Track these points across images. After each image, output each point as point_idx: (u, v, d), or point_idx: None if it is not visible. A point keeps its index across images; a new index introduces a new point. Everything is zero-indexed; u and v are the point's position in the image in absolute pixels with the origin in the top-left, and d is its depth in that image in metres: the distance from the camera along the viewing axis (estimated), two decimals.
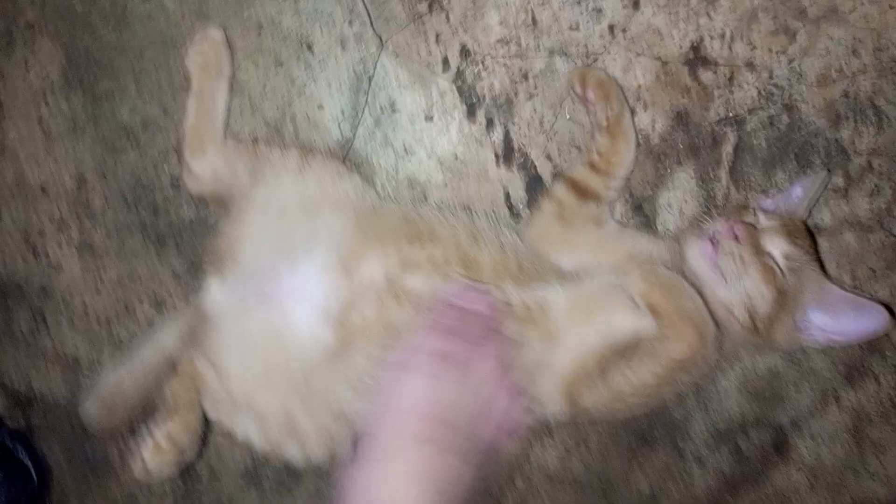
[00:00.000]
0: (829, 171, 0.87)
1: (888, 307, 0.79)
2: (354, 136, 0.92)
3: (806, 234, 0.82)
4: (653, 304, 0.76)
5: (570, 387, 0.79)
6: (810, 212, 0.88)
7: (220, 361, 0.85)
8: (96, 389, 0.94)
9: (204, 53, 0.87)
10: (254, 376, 0.84)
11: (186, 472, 1.06)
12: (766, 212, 0.83)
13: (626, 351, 0.77)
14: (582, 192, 0.86)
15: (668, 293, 0.76)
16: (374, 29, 0.88)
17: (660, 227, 0.93)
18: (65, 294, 1.00)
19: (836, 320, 0.80)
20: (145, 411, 0.98)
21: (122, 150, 0.94)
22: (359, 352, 0.80)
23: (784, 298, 0.77)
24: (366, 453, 0.69)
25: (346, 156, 0.92)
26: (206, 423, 0.87)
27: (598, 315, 0.79)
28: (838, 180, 0.89)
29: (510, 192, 0.93)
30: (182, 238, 0.97)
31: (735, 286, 0.77)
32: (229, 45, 0.88)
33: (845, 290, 0.82)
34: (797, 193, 0.86)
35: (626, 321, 0.78)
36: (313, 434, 0.85)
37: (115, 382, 0.93)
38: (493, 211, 0.93)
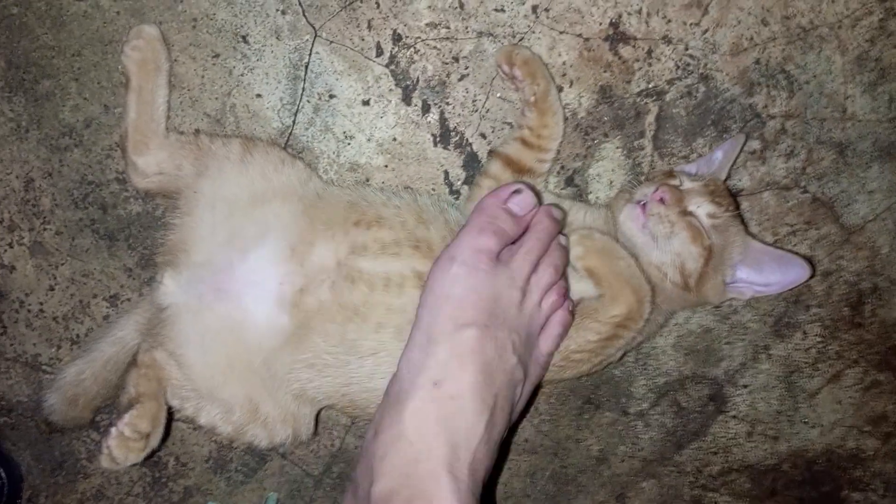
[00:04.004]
0: (746, 134, 0.92)
1: (808, 259, 0.84)
2: (294, 123, 0.94)
3: (727, 194, 0.87)
4: (589, 267, 0.81)
5: None
6: (730, 174, 0.93)
7: (180, 353, 0.87)
8: (57, 383, 0.95)
9: (140, 49, 0.88)
10: (215, 367, 0.86)
11: (152, 461, 1.08)
12: (689, 175, 0.88)
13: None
14: (516, 167, 0.89)
15: (603, 256, 0.81)
16: (306, 18, 0.91)
17: (591, 198, 0.97)
18: (19, 294, 1.01)
19: (761, 274, 0.85)
20: (109, 404, 1.01)
21: (67, 150, 0.95)
22: (316, 332, 0.83)
23: (711, 255, 0.83)
24: (414, 338, 0.72)
25: (287, 143, 0.95)
26: (170, 411, 0.90)
27: None
28: (755, 144, 0.94)
29: (448, 171, 0.96)
30: (131, 232, 0.99)
31: (665, 247, 0.82)
32: (165, 40, 0.90)
33: (767, 245, 0.88)
34: (717, 157, 0.91)
35: (572, 290, 0.82)
36: (276, 416, 0.88)
37: (75, 375, 0.94)
38: (433, 189, 0.97)
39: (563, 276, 0.81)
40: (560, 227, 0.81)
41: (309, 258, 0.83)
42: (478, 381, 0.68)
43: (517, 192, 0.77)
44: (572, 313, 0.81)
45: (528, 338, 0.76)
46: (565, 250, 0.81)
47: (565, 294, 0.80)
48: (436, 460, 0.65)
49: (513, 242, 0.77)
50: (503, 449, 0.83)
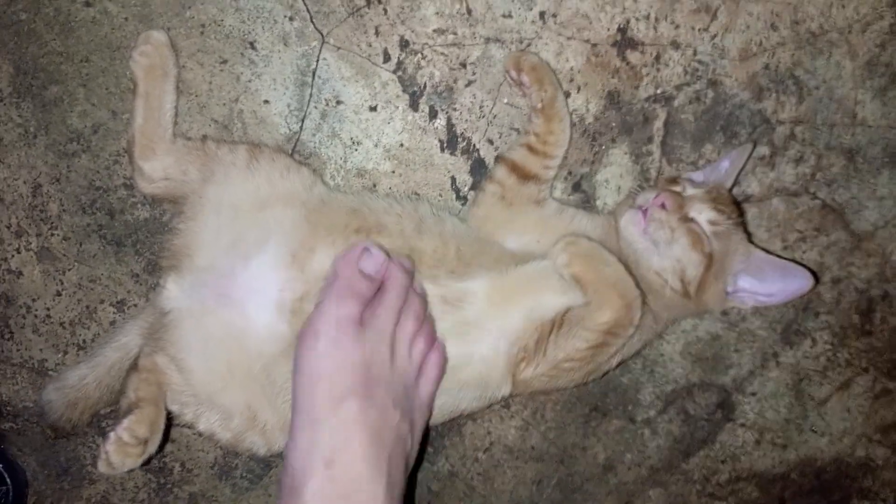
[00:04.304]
0: (754, 143, 0.92)
1: (811, 270, 0.84)
2: (301, 129, 0.94)
3: (730, 202, 0.87)
4: (575, 274, 0.80)
5: (512, 367, 0.83)
6: (737, 182, 0.92)
7: (181, 358, 0.86)
8: (58, 383, 0.95)
9: (148, 55, 0.89)
10: (215, 373, 0.86)
11: (157, 467, 1.08)
12: (694, 183, 0.88)
13: (557, 322, 0.81)
14: (521, 173, 0.89)
15: (588, 262, 0.80)
16: (314, 24, 0.91)
17: (599, 203, 0.97)
18: (26, 300, 1.01)
19: (763, 283, 0.85)
20: (111, 408, 1.01)
21: (75, 155, 0.96)
22: None
23: (711, 262, 0.82)
24: (296, 423, 0.73)
25: (294, 150, 0.95)
26: (169, 416, 0.89)
27: (525, 297, 0.83)
28: (764, 149, 0.94)
29: (456, 177, 0.96)
30: (139, 238, 0.99)
31: (665, 252, 0.82)
32: (173, 45, 0.90)
33: (769, 253, 0.87)
34: (725, 165, 0.91)
35: (554, 294, 0.82)
36: (275, 424, 0.87)
37: (77, 379, 0.94)
38: (440, 195, 0.96)
39: (427, 318, 0.81)
40: (411, 276, 0.81)
41: (309, 264, 0.83)
42: (369, 451, 0.69)
43: (366, 251, 0.78)
44: (444, 353, 0.81)
45: (406, 389, 0.77)
46: (422, 296, 0.81)
47: (433, 335, 0.81)
48: None
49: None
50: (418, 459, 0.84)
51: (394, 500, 0.71)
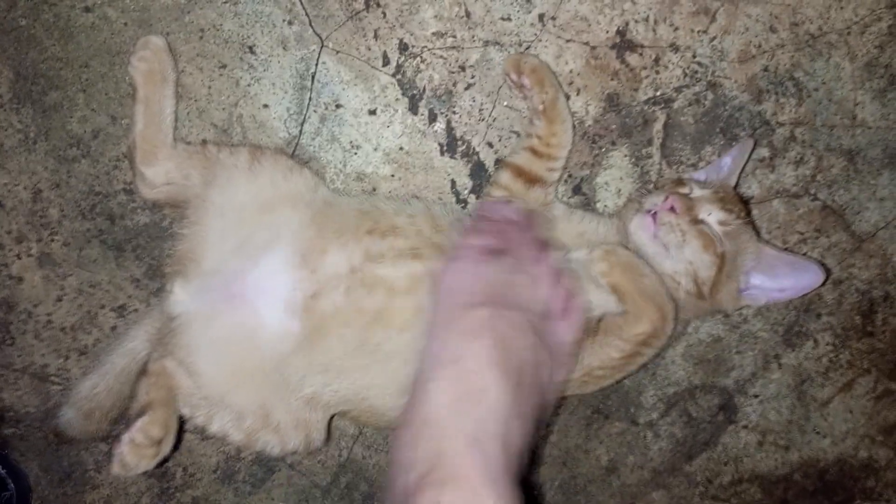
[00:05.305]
0: (754, 139, 0.92)
1: (821, 263, 0.84)
2: (301, 133, 0.94)
3: (738, 201, 0.86)
4: (614, 283, 0.80)
5: None
6: (739, 180, 0.92)
7: (190, 361, 0.86)
8: (72, 398, 0.95)
9: (147, 60, 0.89)
10: (226, 374, 0.86)
11: (160, 472, 1.08)
12: (699, 183, 0.88)
13: (591, 329, 0.81)
14: (527, 177, 0.89)
15: (628, 273, 0.80)
16: (313, 28, 0.91)
17: (599, 206, 0.97)
18: (27, 306, 1.01)
19: (774, 279, 0.85)
20: (122, 414, 1.01)
21: (75, 160, 0.96)
22: (332, 336, 0.82)
23: (724, 262, 0.82)
24: (429, 332, 0.72)
25: (294, 153, 0.95)
26: (181, 419, 0.89)
27: None
28: (764, 151, 0.94)
29: (455, 180, 0.96)
30: (139, 243, 0.99)
31: (677, 256, 0.82)
32: (172, 50, 0.90)
33: (780, 250, 0.87)
34: (726, 164, 0.90)
35: (591, 302, 0.82)
36: (288, 422, 0.87)
37: (89, 389, 0.94)
38: (440, 199, 0.96)
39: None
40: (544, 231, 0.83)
41: (321, 265, 0.83)
42: (495, 354, 0.67)
43: (506, 201, 0.82)
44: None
45: (545, 322, 0.74)
46: (545, 239, 0.82)
47: (570, 288, 0.79)
48: (463, 436, 0.62)
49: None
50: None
51: (522, 414, 0.67)
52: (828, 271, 0.93)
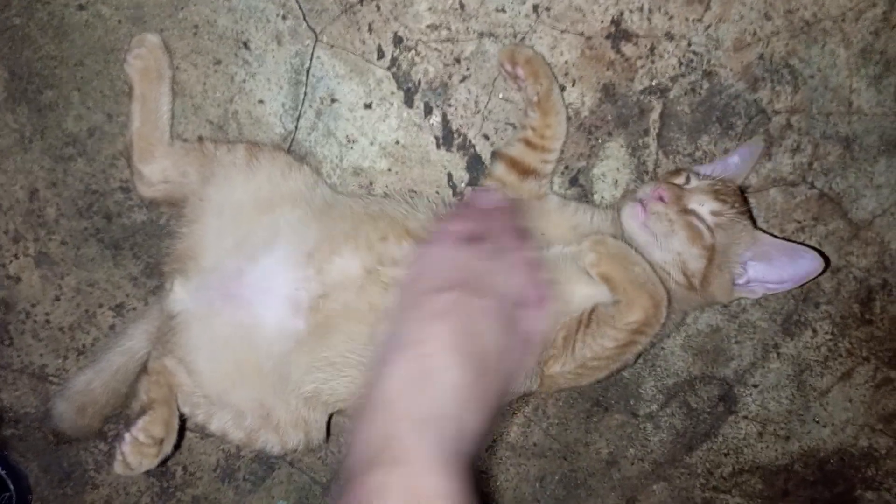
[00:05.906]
0: (765, 141, 0.91)
1: (819, 251, 0.83)
2: (297, 128, 0.94)
3: (733, 192, 0.86)
4: (604, 273, 0.80)
5: (541, 363, 0.83)
6: (747, 180, 0.91)
7: (189, 360, 0.87)
8: (66, 392, 0.95)
9: (143, 58, 0.89)
10: (226, 372, 0.86)
11: (160, 471, 1.08)
12: (699, 175, 0.87)
13: (584, 320, 0.81)
14: (521, 169, 0.89)
15: (617, 262, 0.80)
16: (307, 22, 0.91)
17: (596, 197, 0.96)
18: (25, 305, 1.01)
19: (772, 268, 0.84)
20: (118, 413, 1.01)
21: (71, 159, 0.96)
22: (339, 332, 0.82)
23: (714, 254, 0.81)
24: (392, 316, 0.71)
25: (290, 149, 0.95)
26: (182, 418, 0.89)
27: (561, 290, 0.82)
28: (760, 140, 0.93)
29: (452, 173, 0.96)
30: (136, 241, 0.99)
31: (665, 246, 0.81)
32: (167, 47, 0.90)
33: (776, 238, 0.87)
34: (734, 161, 0.90)
35: (583, 293, 0.82)
36: (288, 421, 0.88)
37: (84, 384, 0.94)
38: (437, 192, 0.96)
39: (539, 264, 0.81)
40: (522, 220, 0.83)
41: (329, 266, 0.83)
42: (456, 338, 0.66)
43: (482, 190, 0.82)
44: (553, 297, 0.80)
45: (514, 309, 0.73)
46: (524, 228, 0.82)
47: (544, 280, 0.79)
48: (416, 416, 0.62)
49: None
50: None
51: (482, 399, 0.66)
52: (826, 260, 0.93)
